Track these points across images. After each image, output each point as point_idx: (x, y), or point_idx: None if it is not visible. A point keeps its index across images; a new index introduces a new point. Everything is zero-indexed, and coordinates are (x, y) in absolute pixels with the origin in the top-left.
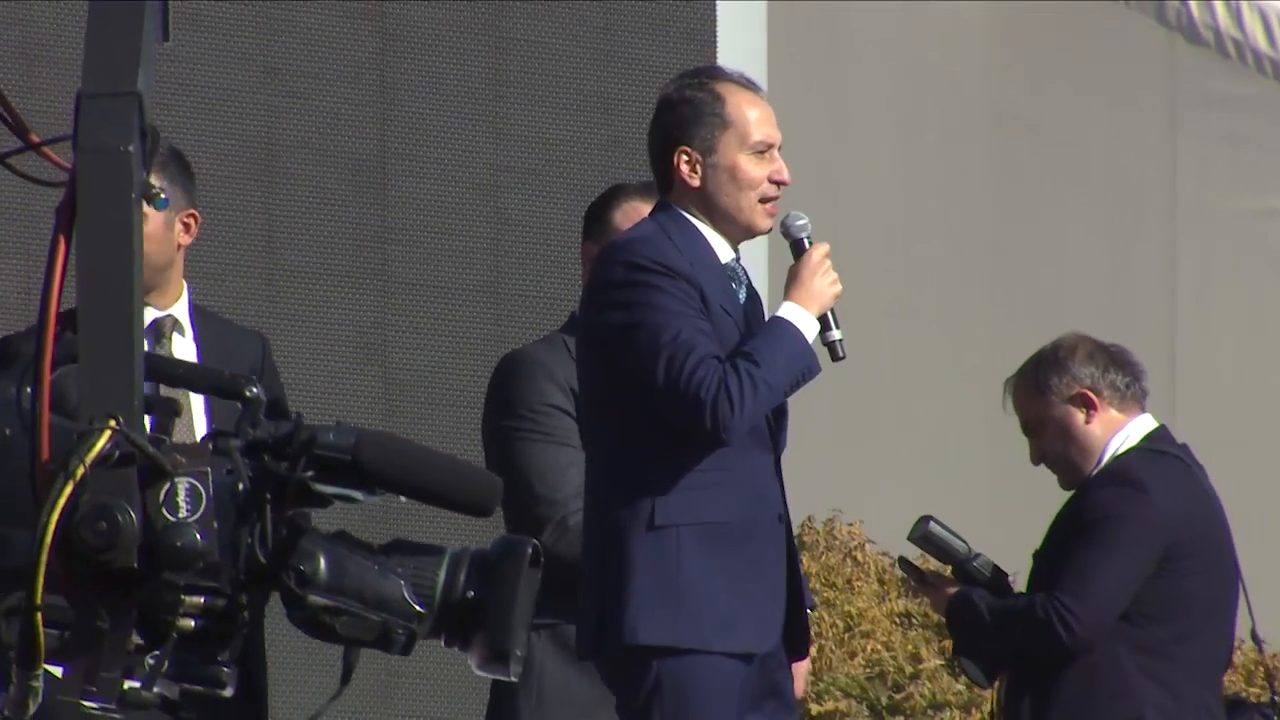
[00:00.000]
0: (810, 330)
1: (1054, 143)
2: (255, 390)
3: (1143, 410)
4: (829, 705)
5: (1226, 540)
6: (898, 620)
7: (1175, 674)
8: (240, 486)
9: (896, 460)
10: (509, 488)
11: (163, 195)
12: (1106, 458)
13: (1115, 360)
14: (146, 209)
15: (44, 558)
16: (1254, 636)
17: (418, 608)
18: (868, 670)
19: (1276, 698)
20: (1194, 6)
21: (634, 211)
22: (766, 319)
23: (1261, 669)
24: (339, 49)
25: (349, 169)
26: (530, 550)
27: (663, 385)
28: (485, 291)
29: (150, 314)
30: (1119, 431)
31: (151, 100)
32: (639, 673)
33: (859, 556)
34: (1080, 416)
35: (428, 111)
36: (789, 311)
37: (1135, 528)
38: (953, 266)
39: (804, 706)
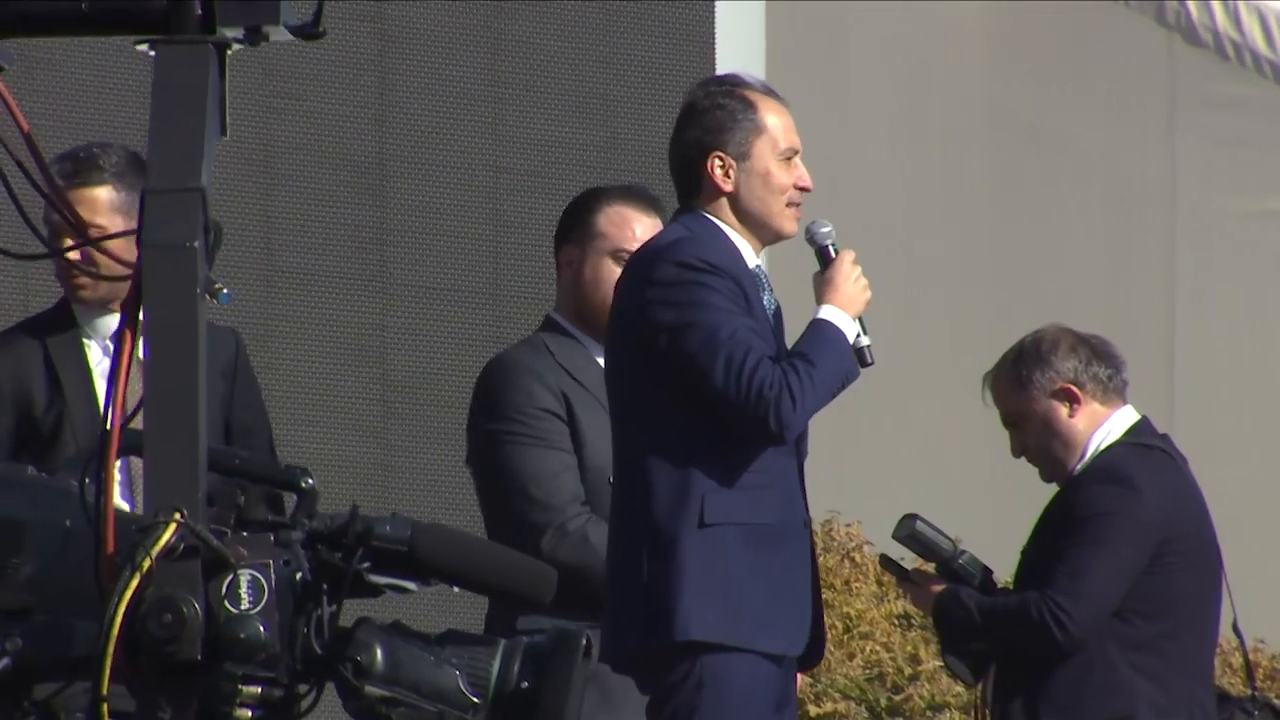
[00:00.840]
0: (850, 334)
1: (1053, 144)
2: (310, 482)
3: (1124, 402)
4: (828, 707)
5: (1210, 533)
6: (896, 621)
7: (1166, 670)
8: (298, 577)
9: (895, 461)
10: (499, 491)
11: (224, 290)
12: (1090, 452)
13: (1097, 353)
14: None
15: (110, 649)
16: (1235, 629)
17: (473, 699)
18: (866, 671)
19: (1256, 692)
20: (1192, 8)
21: (617, 215)
22: (808, 322)
23: (1256, 667)
24: (337, 50)
25: (347, 170)
26: (584, 642)
27: (721, 384)
28: (483, 293)
29: (112, 322)
30: (1102, 425)
31: (148, 100)
32: (683, 669)
33: (857, 558)
34: (1064, 410)
35: (426, 112)
36: (831, 314)
37: (1127, 526)
38: (952, 267)
39: (802, 708)
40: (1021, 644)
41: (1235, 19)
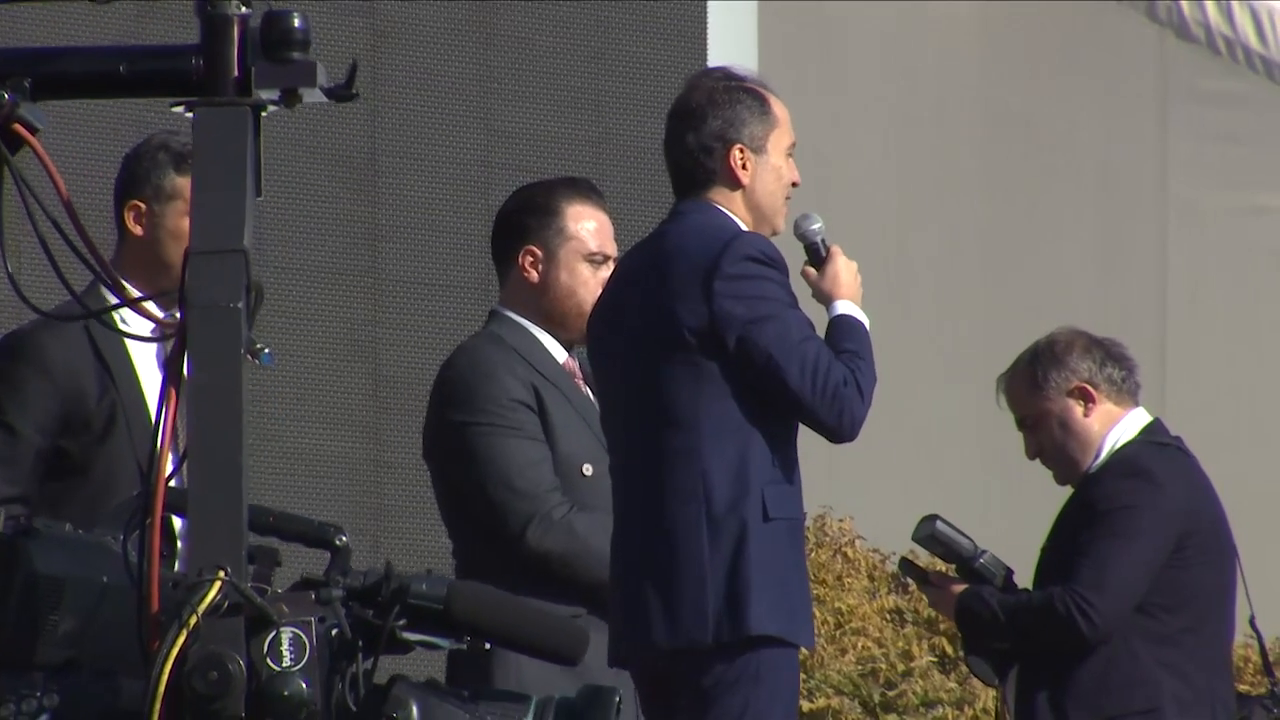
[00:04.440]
0: (867, 327)
1: (1045, 139)
2: (344, 539)
3: (1137, 404)
4: (821, 702)
5: (1226, 530)
6: (889, 617)
7: (1188, 664)
8: (334, 634)
9: (886, 457)
10: (475, 481)
11: (266, 350)
12: (1105, 451)
13: (1111, 354)
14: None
15: (157, 706)
16: (1252, 625)
17: None
18: (859, 667)
19: (1276, 689)
20: (1185, 4)
21: (581, 215)
22: (832, 319)
23: (1246, 662)
24: (329, 45)
25: (339, 165)
26: (617, 699)
27: (797, 382)
28: (475, 288)
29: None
30: (1116, 425)
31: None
32: (739, 663)
33: (849, 553)
34: (1079, 410)
35: (418, 108)
36: (851, 310)
37: (1149, 518)
38: (945, 263)
39: None
40: (1047, 638)
41: (1227, 14)
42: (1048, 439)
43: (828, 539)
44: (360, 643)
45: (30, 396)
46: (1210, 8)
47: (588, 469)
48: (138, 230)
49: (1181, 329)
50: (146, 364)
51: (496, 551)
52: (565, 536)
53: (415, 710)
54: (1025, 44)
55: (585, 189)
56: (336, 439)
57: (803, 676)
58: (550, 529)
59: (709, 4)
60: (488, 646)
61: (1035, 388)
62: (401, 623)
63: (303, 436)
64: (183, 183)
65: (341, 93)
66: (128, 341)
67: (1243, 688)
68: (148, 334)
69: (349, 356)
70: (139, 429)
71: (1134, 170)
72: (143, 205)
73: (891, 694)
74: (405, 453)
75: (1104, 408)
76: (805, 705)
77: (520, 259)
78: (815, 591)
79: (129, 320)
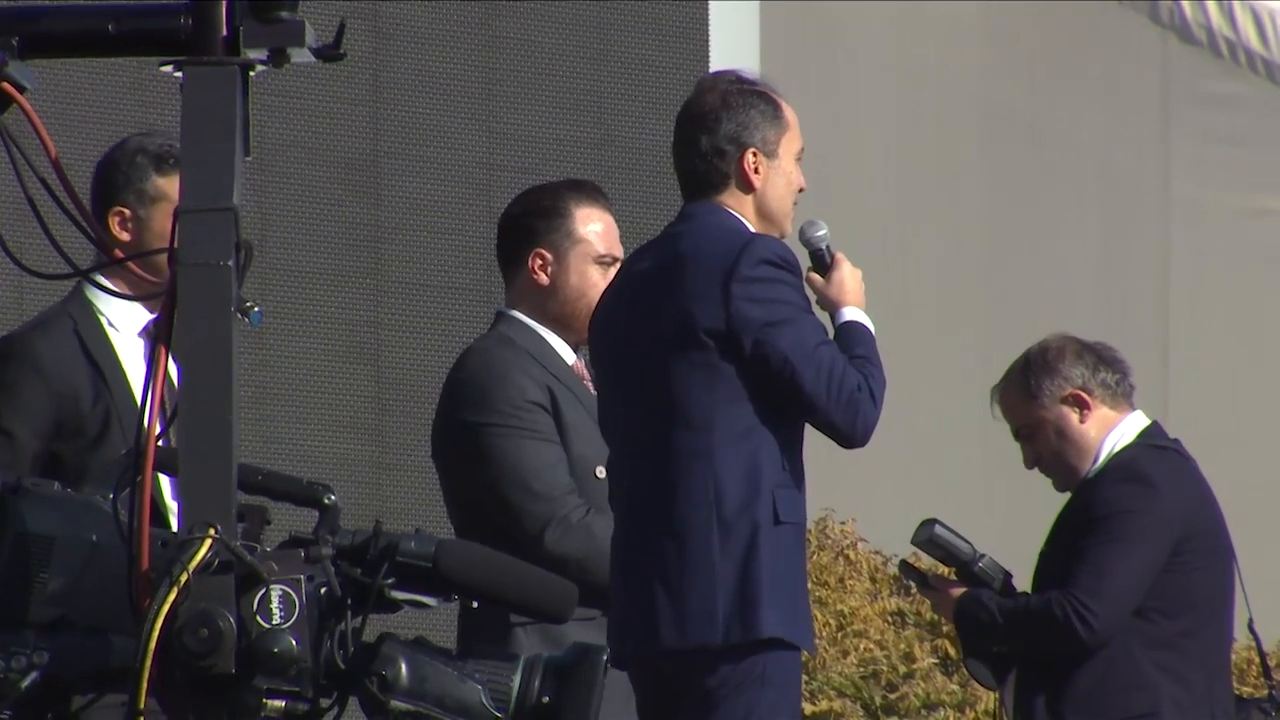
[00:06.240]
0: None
1: (1048, 141)
2: (332, 498)
3: (1133, 407)
4: (823, 705)
5: (1225, 533)
6: (890, 619)
7: (1186, 667)
8: (323, 591)
9: (889, 459)
10: (493, 484)
11: (256, 309)
12: (1103, 456)
13: (1103, 359)
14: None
15: (148, 663)
16: (1250, 628)
17: (496, 713)
18: (861, 670)
19: (1274, 692)
20: (1187, 6)
21: (590, 217)
22: (840, 325)
23: (1250, 664)
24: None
25: (341, 167)
26: (604, 658)
27: (812, 387)
28: (478, 291)
29: (132, 309)
30: (1113, 429)
31: (140, 98)
32: (745, 666)
33: (851, 555)
34: (1074, 417)
35: (421, 110)
36: (858, 316)
37: (1147, 522)
38: (946, 265)
39: None
40: (1045, 643)
41: (1229, 17)
42: (1045, 447)
43: (830, 541)
44: (349, 601)
45: (25, 399)
46: (1212, 10)
47: (600, 471)
48: (124, 236)
49: (1183, 330)
50: (135, 366)
51: (511, 553)
52: (583, 539)
53: (403, 667)
54: (1027, 46)
55: (591, 191)
56: (338, 440)
57: (804, 679)
58: (568, 531)
59: (711, 5)
60: (475, 605)
61: (1029, 397)
62: (390, 581)
63: (304, 438)
64: (164, 183)
65: (329, 52)
66: (116, 344)
67: (1246, 690)
68: (136, 330)
69: (350, 358)
70: (130, 432)
71: (1136, 172)
72: (127, 211)
73: (893, 696)
74: (407, 454)
75: (1100, 413)
76: (807, 708)
77: (530, 262)
78: (817, 594)
79: (117, 322)
